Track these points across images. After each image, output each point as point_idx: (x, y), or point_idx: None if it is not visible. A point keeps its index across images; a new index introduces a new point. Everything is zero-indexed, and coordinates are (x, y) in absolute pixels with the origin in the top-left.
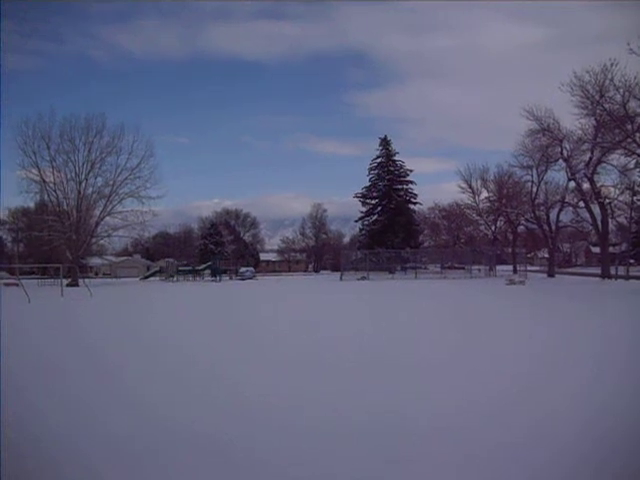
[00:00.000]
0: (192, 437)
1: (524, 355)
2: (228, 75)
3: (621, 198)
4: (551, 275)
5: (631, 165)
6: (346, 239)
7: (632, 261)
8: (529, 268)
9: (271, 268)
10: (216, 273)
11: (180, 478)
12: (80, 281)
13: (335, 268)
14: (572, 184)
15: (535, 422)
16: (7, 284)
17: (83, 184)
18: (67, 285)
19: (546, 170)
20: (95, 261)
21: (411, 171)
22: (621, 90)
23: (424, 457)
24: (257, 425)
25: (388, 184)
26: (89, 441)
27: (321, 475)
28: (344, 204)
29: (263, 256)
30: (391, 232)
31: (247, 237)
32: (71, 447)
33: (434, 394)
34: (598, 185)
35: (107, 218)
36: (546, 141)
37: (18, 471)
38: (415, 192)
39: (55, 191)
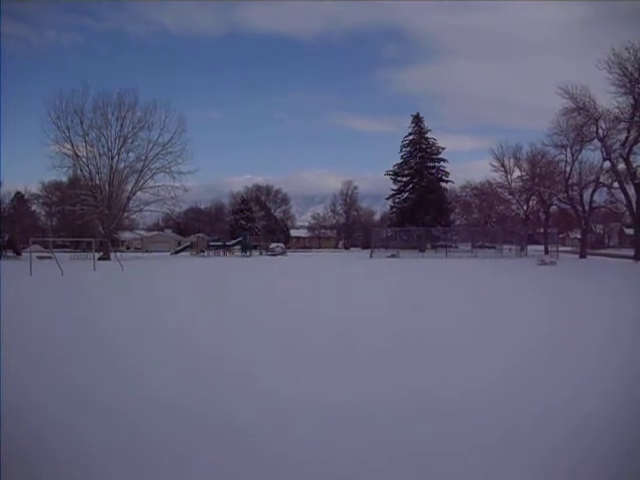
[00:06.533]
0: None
1: (551, 337)
2: (263, 51)
3: None
4: (583, 256)
5: None
6: (377, 216)
7: None
8: (561, 249)
9: (301, 244)
10: (246, 249)
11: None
12: (112, 255)
13: (365, 245)
14: (607, 164)
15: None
16: (41, 257)
17: (115, 159)
18: (99, 259)
19: (580, 150)
20: (126, 235)
21: (443, 149)
22: None
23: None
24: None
25: (420, 162)
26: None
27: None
28: (375, 181)
29: (293, 232)
30: (422, 210)
31: (278, 213)
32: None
33: (451, 374)
34: (634, 165)
35: (139, 193)
36: (581, 120)
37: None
38: (447, 170)
39: (88, 166)
